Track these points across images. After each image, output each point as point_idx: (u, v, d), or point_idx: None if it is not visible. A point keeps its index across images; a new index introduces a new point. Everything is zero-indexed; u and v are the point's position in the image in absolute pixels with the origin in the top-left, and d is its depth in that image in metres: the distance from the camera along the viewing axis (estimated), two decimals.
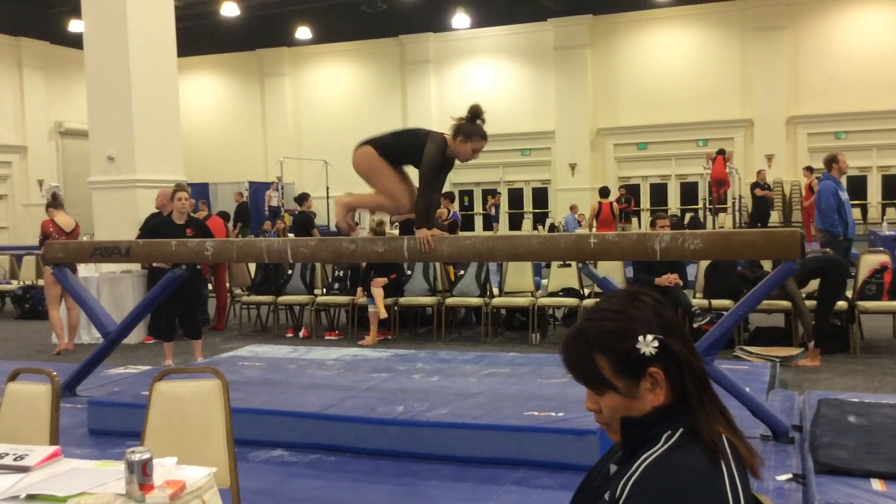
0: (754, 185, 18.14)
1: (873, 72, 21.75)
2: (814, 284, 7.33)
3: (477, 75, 25.45)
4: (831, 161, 8.05)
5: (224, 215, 11.95)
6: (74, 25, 23.31)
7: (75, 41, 21.42)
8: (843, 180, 8.63)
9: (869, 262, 7.84)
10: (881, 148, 22.06)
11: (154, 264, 8.28)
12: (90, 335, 9.23)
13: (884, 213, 21.51)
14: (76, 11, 17.84)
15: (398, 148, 4.78)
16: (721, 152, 17.28)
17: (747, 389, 4.73)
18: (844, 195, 8.44)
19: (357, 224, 6.97)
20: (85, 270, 9.41)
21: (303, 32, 26.92)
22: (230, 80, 29.14)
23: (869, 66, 21.81)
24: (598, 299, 2.12)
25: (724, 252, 5.08)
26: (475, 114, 4.69)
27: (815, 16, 22.49)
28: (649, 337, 1.42)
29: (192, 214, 8.03)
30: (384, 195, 4.76)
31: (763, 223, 17.84)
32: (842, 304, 7.51)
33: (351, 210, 5.06)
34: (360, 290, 9.04)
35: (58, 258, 6.14)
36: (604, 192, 14.92)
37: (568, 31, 24.17)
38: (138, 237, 8.40)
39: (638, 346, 1.41)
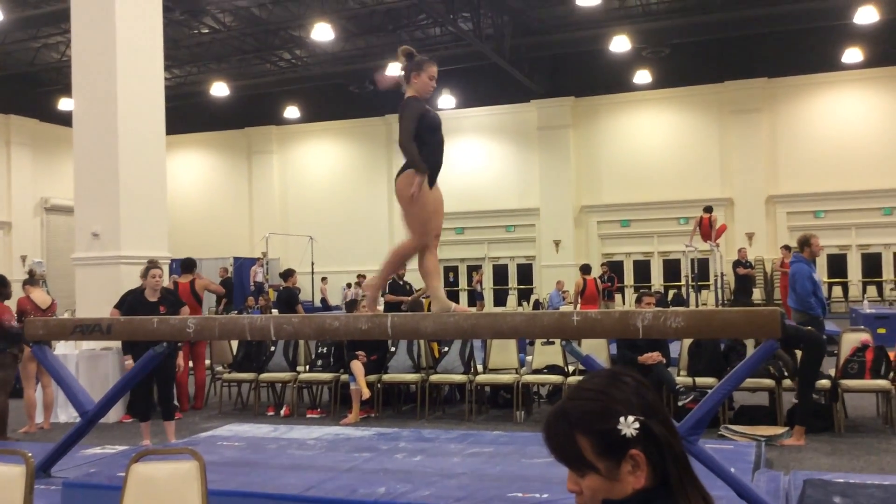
0: (736, 264, 18.34)
1: (850, 152, 22.29)
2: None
3: (463, 153, 25.86)
4: (804, 244, 8.18)
5: (187, 263, 10.25)
6: (64, 104, 23.68)
7: (64, 119, 21.69)
8: (823, 259, 8.75)
9: (850, 340, 7.88)
10: (860, 227, 22.44)
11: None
12: (67, 414, 9.06)
13: (864, 291, 21.72)
14: (66, 90, 18.10)
15: (426, 154, 4.74)
16: (708, 209, 17.53)
17: (732, 470, 4.69)
18: (816, 275, 8.53)
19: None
20: (64, 347, 9.30)
21: (291, 111, 27.42)
22: (218, 158, 29.45)
23: (846, 146, 22.37)
24: (582, 377, 2.12)
25: (706, 330, 5.09)
26: (408, 53, 4.80)
27: (791, 98, 23.15)
28: (630, 418, 1.41)
29: (165, 288, 8.02)
30: (414, 229, 4.77)
31: (746, 301, 17.95)
32: (825, 382, 7.52)
33: (380, 290, 5.05)
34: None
35: (38, 335, 6.07)
36: (586, 268, 15.02)
37: (551, 111, 24.73)
38: (116, 312, 8.38)
39: (619, 428, 1.41)
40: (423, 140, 4.75)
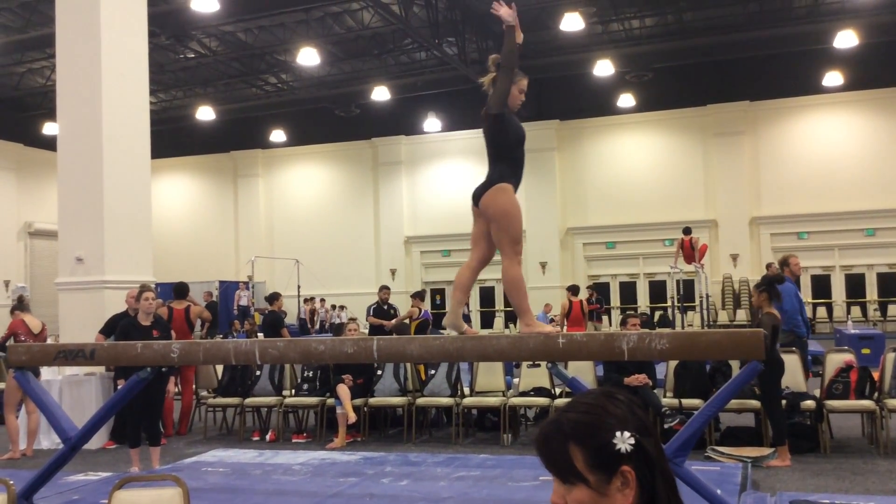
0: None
1: (831, 174, 22.54)
2: None
3: (447, 176, 25.97)
4: (783, 264, 8.24)
5: (180, 288, 10.06)
6: (48, 128, 23.62)
7: (48, 143, 21.62)
8: (807, 280, 8.86)
9: (835, 361, 7.91)
10: (843, 248, 22.63)
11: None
12: (50, 440, 8.96)
13: (848, 311, 21.85)
14: (50, 115, 18.05)
15: (514, 168, 4.76)
16: (687, 231, 17.52)
17: (719, 492, 4.69)
18: (800, 295, 8.61)
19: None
20: (48, 373, 9.21)
21: (277, 135, 27.46)
22: (203, 181, 29.41)
23: (827, 168, 22.62)
24: (569, 399, 2.13)
25: (690, 352, 5.11)
26: (499, 63, 4.76)
27: (773, 121, 23.41)
28: (626, 434, 1.41)
29: (157, 314, 7.96)
30: (508, 241, 4.64)
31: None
32: (810, 403, 7.55)
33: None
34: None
35: (21, 361, 6.01)
36: (574, 289, 15.01)
37: (536, 134, 24.82)
38: (101, 337, 8.30)
39: (614, 442, 1.41)
40: (512, 154, 4.76)
